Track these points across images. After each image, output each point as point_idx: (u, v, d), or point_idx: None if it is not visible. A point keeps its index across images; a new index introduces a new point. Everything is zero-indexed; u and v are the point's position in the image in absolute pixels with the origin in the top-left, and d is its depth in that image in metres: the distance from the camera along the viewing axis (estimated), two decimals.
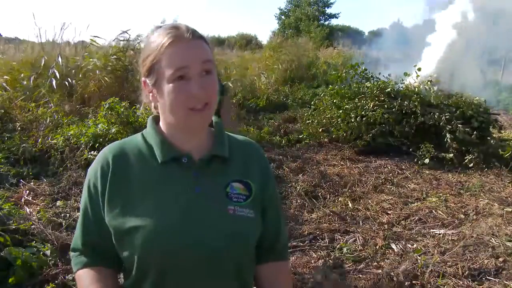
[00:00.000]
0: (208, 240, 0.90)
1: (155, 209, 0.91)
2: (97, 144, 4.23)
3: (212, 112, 0.94)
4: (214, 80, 0.92)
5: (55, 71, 5.73)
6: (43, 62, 6.04)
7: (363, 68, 6.97)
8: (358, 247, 3.08)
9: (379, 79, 6.69)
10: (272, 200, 1.06)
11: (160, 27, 0.94)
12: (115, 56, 6.41)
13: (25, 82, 5.64)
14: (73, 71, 5.91)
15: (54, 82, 5.60)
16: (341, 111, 6.13)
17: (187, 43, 0.89)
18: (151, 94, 0.95)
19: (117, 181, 0.94)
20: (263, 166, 1.05)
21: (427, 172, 4.98)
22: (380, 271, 2.71)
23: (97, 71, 6.14)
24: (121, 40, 6.68)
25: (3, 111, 4.89)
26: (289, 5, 31.89)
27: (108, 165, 0.95)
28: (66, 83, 5.78)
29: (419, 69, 6.43)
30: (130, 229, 0.90)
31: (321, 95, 7.20)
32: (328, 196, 4.06)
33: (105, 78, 6.10)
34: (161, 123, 1.00)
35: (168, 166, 0.95)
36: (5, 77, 5.49)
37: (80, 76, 5.97)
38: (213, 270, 0.92)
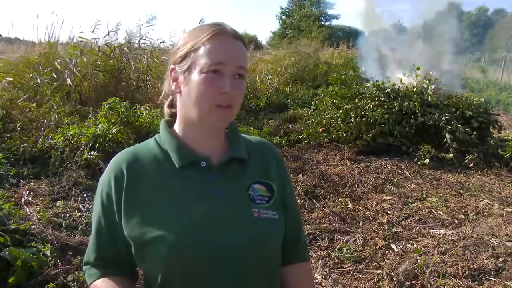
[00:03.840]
0: (236, 245, 0.87)
1: (177, 217, 0.87)
2: (97, 144, 4.24)
3: (233, 115, 0.92)
4: (243, 85, 0.91)
5: (73, 69, 5.71)
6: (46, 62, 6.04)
7: (363, 69, 6.98)
8: (358, 247, 3.07)
9: (378, 80, 6.70)
10: (291, 198, 1.03)
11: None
12: (101, 52, 6.40)
13: (32, 82, 5.63)
14: (67, 70, 5.89)
15: (69, 80, 5.58)
16: (341, 111, 6.14)
17: (230, 40, 0.89)
18: (175, 83, 0.93)
19: (133, 190, 0.90)
20: (279, 165, 1.03)
21: (427, 172, 4.98)
22: (380, 271, 2.71)
23: (89, 71, 6.13)
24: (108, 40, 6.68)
25: (4, 111, 4.89)
26: (290, 5, 31.95)
27: (123, 174, 0.91)
28: (68, 82, 5.77)
29: (418, 68, 6.42)
30: (152, 239, 0.86)
31: (321, 96, 7.21)
32: (328, 196, 4.06)
33: (99, 76, 6.09)
34: (177, 123, 0.97)
35: (186, 171, 0.91)
36: (8, 78, 5.48)
37: (73, 76, 5.96)
38: (242, 276, 0.88)
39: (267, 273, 0.93)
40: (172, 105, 1.00)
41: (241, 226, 0.89)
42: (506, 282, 2.60)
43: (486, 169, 5.03)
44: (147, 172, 0.92)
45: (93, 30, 6.65)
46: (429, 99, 5.93)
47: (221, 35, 0.88)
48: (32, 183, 3.77)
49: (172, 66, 0.93)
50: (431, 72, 6.49)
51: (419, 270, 2.69)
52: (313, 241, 3.17)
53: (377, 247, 3.07)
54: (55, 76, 5.75)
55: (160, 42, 7.64)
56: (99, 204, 0.93)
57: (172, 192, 0.90)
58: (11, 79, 5.51)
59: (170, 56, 0.96)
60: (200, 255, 0.85)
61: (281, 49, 12.89)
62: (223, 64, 0.86)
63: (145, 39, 7.31)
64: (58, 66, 5.87)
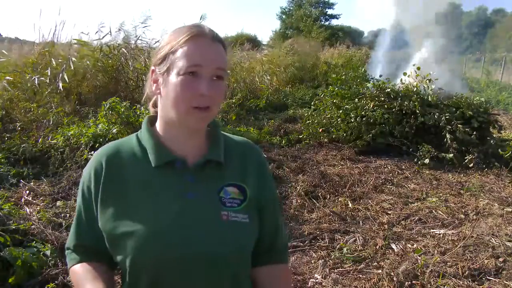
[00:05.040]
0: (201, 247, 0.88)
1: (147, 214, 0.89)
2: (97, 144, 4.24)
3: (212, 116, 0.93)
4: (222, 86, 0.91)
5: (64, 74, 5.70)
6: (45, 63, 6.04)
7: (363, 70, 6.98)
8: (358, 247, 3.07)
9: (378, 80, 6.71)
10: (269, 201, 1.03)
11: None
12: (102, 53, 6.40)
13: (30, 83, 5.62)
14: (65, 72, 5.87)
15: (60, 85, 5.56)
16: (341, 111, 6.14)
17: (207, 42, 0.89)
18: (155, 84, 0.94)
19: (110, 184, 0.92)
20: (260, 167, 1.02)
21: (427, 172, 4.98)
22: (380, 271, 2.71)
23: (88, 71, 6.13)
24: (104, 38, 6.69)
25: (4, 112, 4.89)
26: (291, 5, 32.01)
27: (102, 167, 0.93)
28: (60, 87, 5.75)
29: (418, 68, 6.43)
30: (123, 234, 0.88)
31: (321, 96, 7.22)
32: (328, 196, 4.06)
33: (98, 77, 6.09)
34: (158, 122, 0.98)
35: (162, 171, 0.92)
36: (7, 77, 5.48)
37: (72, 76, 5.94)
38: (207, 277, 0.89)
39: (233, 275, 0.93)
40: (156, 104, 1.01)
41: (209, 229, 0.90)
42: (506, 282, 2.60)
43: (486, 169, 5.02)
44: (125, 167, 0.94)
45: (96, 32, 6.69)
46: (429, 99, 5.93)
47: (198, 37, 0.88)
48: (32, 183, 3.77)
49: (152, 67, 0.94)
50: (431, 72, 6.49)
51: (419, 270, 2.69)
52: (313, 241, 3.17)
53: (377, 247, 3.07)
54: (49, 79, 5.74)
55: (156, 42, 7.65)
56: (80, 196, 0.97)
57: (146, 191, 0.91)
58: (11, 78, 5.51)
59: (152, 57, 0.97)
60: (164, 255, 0.87)
61: (279, 49, 12.87)
62: (200, 66, 0.87)
63: (141, 39, 7.33)
64: (52, 69, 5.86)
